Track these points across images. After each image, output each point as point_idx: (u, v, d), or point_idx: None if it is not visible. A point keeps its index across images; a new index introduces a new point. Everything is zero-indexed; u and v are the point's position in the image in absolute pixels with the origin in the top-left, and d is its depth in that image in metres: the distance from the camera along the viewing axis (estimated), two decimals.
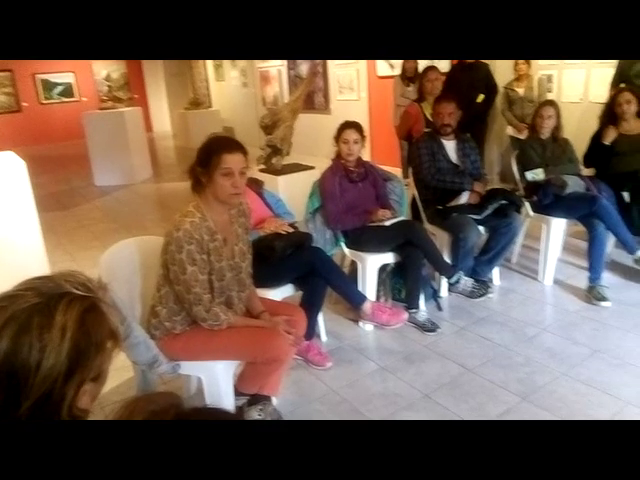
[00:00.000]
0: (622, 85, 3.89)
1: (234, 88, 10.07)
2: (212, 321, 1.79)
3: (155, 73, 12.29)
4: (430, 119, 3.48)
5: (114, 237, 3.91)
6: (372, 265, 2.77)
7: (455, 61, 5.18)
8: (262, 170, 4.58)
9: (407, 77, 5.12)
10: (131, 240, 2.05)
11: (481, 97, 4.83)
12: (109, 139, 6.85)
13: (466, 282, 2.99)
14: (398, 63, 6.51)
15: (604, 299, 2.82)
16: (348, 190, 2.80)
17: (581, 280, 3.02)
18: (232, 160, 1.76)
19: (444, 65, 5.52)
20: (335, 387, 2.28)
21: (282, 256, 2.34)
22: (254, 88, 9.34)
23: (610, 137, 3.33)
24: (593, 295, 2.87)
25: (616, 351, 2.40)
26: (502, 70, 5.10)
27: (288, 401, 2.19)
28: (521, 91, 4.80)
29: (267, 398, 1.98)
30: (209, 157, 1.76)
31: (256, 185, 2.74)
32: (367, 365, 2.44)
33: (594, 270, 2.93)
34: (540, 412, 2.02)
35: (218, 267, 1.81)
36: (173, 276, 1.76)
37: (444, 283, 3.02)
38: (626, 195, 3.23)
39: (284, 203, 2.85)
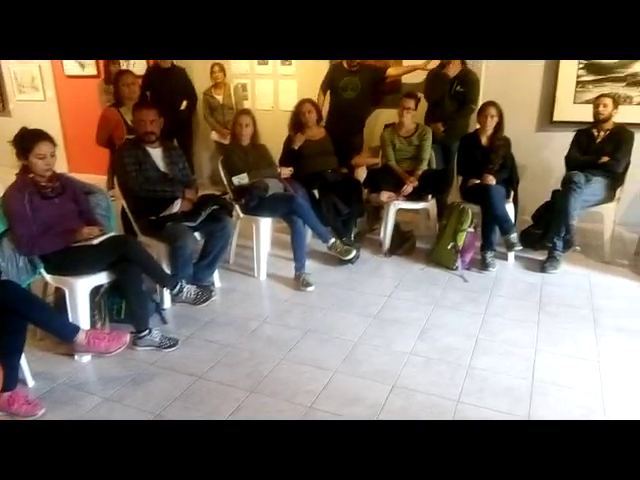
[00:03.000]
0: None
1: None
2: None
3: None
4: (131, 125, 3.33)
5: None
6: (82, 289, 2.50)
7: (151, 62, 5.11)
8: None
9: (111, 80, 4.78)
10: None
11: (185, 103, 4.90)
12: None
13: (189, 290, 2.99)
14: (90, 63, 6.05)
15: (309, 284, 3.24)
16: (42, 208, 2.44)
17: (289, 271, 3.39)
18: None
19: (140, 68, 5.38)
20: None
21: None
22: None
23: (298, 142, 3.81)
24: (300, 282, 3.26)
25: (322, 328, 2.78)
26: (200, 76, 5.26)
27: None
28: (220, 98, 5.04)
29: None
30: None
31: None
32: (88, 401, 2.20)
33: (298, 260, 3.33)
34: (267, 399, 2.19)
35: None
36: None
37: (167, 295, 2.96)
38: (316, 192, 3.77)
39: None
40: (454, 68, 4.10)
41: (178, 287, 2.89)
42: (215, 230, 3.08)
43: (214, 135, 5.14)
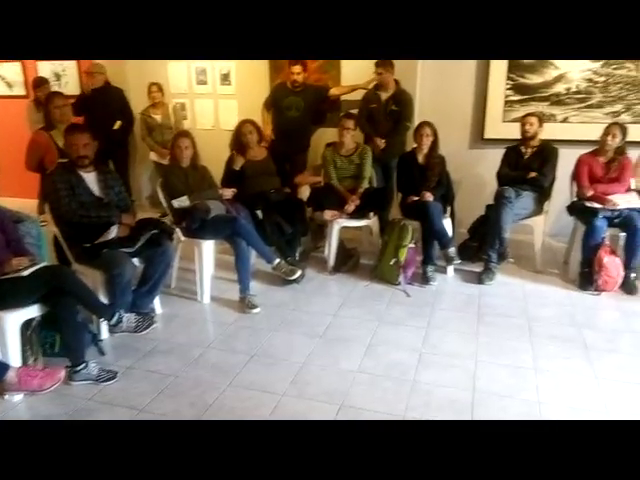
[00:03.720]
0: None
1: None
2: None
3: None
4: (63, 149, 3.21)
5: None
6: (12, 324, 2.36)
7: (86, 83, 4.97)
8: None
9: (41, 102, 4.59)
10: None
11: (118, 124, 4.77)
12: None
13: (128, 319, 2.89)
14: (18, 82, 5.81)
15: (254, 306, 3.21)
16: None
17: (234, 293, 3.35)
18: None
19: (73, 88, 5.21)
20: None
21: None
22: None
23: (239, 163, 3.80)
24: (245, 304, 3.22)
25: (269, 351, 2.76)
26: (137, 96, 5.15)
27: None
28: (159, 118, 4.95)
29: None
30: None
31: None
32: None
33: (243, 282, 3.29)
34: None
35: None
36: None
37: (104, 325, 2.85)
38: (259, 213, 3.75)
39: None
40: (389, 87, 4.24)
41: (116, 317, 2.79)
42: (155, 255, 3.00)
43: (153, 155, 5.02)
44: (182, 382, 2.48)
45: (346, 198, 3.86)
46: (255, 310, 3.19)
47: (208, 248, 3.39)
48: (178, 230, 3.36)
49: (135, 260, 2.95)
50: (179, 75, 5.28)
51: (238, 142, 3.88)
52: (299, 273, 3.48)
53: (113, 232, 2.90)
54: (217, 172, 3.82)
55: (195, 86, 5.28)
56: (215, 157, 3.97)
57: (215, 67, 5.18)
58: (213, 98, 5.25)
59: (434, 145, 3.89)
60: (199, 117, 5.33)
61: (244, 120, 3.95)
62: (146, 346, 2.81)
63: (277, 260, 3.45)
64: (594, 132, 3.75)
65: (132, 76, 5.30)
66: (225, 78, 5.18)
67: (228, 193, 3.61)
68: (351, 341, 2.84)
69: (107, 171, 3.15)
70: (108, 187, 3.05)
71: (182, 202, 3.31)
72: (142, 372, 2.57)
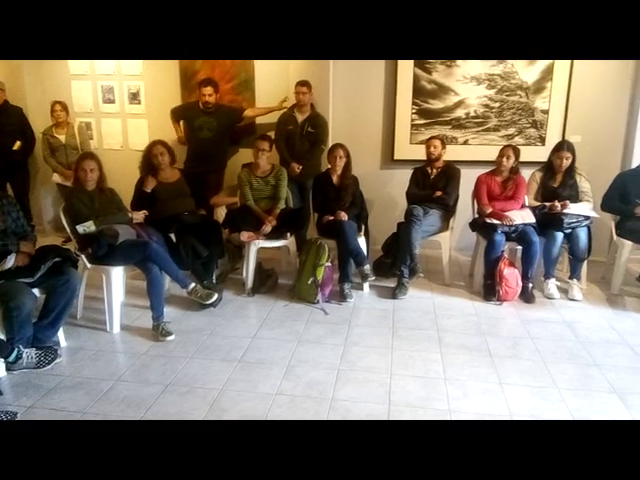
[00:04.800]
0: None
1: None
2: None
3: None
4: None
5: None
6: None
7: None
8: None
9: None
10: None
11: (18, 144, 4.48)
12: None
13: (29, 354, 2.67)
14: None
15: (168, 334, 3.09)
16: None
17: (146, 320, 3.21)
18: None
19: None
20: None
21: None
22: None
23: (150, 185, 3.68)
24: (159, 332, 3.10)
25: (184, 379, 2.66)
26: (38, 115, 4.86)
27: None
28: (62, 138, 4.70)
29: None
30: None
31: None
32: None
33: (156, 309, 3.16)
34: None
35: None
36: None
37: (1, 363, 2.61)
38: (173, 236, 3.65)
39: None
40: (306, 109, 4.36)
41: (15, 353, 2.57)
42: (57, 284, 2.81)
43: (56, 177, 4.74)
44: (89, 419, 2.33)
45: (263, 219, 3.86)
46: (169, 337, 3.08)
47: (117, 275, 3.23)
48: (83, 257, 3.18)
49: (36, 290, 2.75)
50: (84, 93, 5.06)
51: (149, 163, 3.77)
52: (216, 297, 3.42)
53: (10, 261, 2.70)
54: (126, 194, 3.68)
55: (102, 105, 5.08)
56: (124, 179, 3.83)
57: (124, 85, 5.02)
58: (121, 117, 5.08)
59: (347, 166, 4.01)
60: (107, 137, 5.13)
61: (155, 141, 3.85)
62: (49, 383, 2.61)
63: (192, 284, 3.36)
64: (492, 153, 4.07)
65: (32, 94, 5.01)
66: (134, 97, 5.03)
67: (139, 216, 3.49)
68: (270, 363, 2.82)
69: (3, 196, 2.94)
70: (4, 213, 2.85)
71: (87, 227, 3.14)
72: (45, 411, 2.38)
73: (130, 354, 2.96)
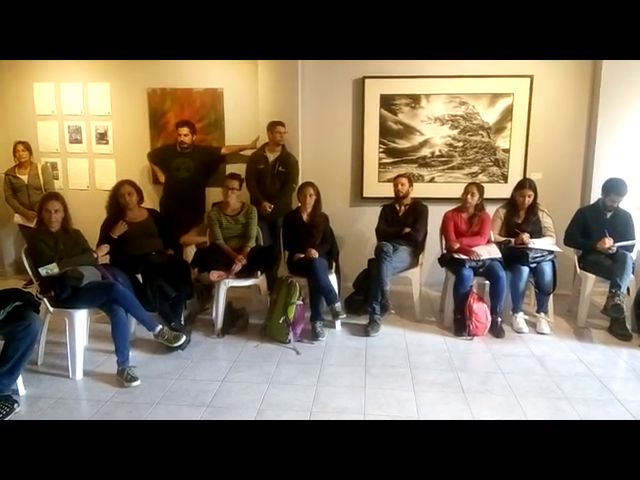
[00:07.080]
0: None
1: None
2: None
3: None
4: None
5: None
6: None
7: None
8: None
9: None
10: None
11: None
12: None
13: None
14: None
15: (134, 379, 2.97)
16: None
17: (111, 365, 3.09)
18: None
19: None
20: None
21: None
22: None
23: (119, 231, 3.62)
24: (124, 378, 2.98)
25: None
26: (1, 156, 4.77)
27: None
28: (25, 178, 4.61)
29: None
30: None
31: None
32: None
33: (121, 353, 3.05)
34: None
35: None
36: None
37: None
38: (139, 277, 3.57)
39: None
40: (277, 148, 4.43)
41: None
42: (18, 330, 2.68)
43: (17, 218, 4.62)
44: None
45: (233, 258, 3.83)
46: (135, 383, 2.96)
47: (80, 318, 3.12)
48: (46, 300, 3.07)
49: None
50: (51, 134, 5.00)
51: (116, 203, 3.72)
52: (184, 339, 3.33)
53: None
54: (92, 235, 3.60)
55: (69, 145, 5.03)
56: (90, 218, 3.77)
57: (91, 125, 4.99)
58: (88, 157, 5.03)
59: (317, 204, 4.05)
60: (73, 177, 5.06)
61: (123, 181, 3.81)
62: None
63: (159, 327, 3.26)
64: (457, 190, 4.18)
65: None
66: (102, 137, 5.01)
67: (103, 250, 3.46)
68: (239, 408, 2.73)
69: None
70: None
71: (50, 269, 3.04)
72: None
73: (93, 401, 2.83)
